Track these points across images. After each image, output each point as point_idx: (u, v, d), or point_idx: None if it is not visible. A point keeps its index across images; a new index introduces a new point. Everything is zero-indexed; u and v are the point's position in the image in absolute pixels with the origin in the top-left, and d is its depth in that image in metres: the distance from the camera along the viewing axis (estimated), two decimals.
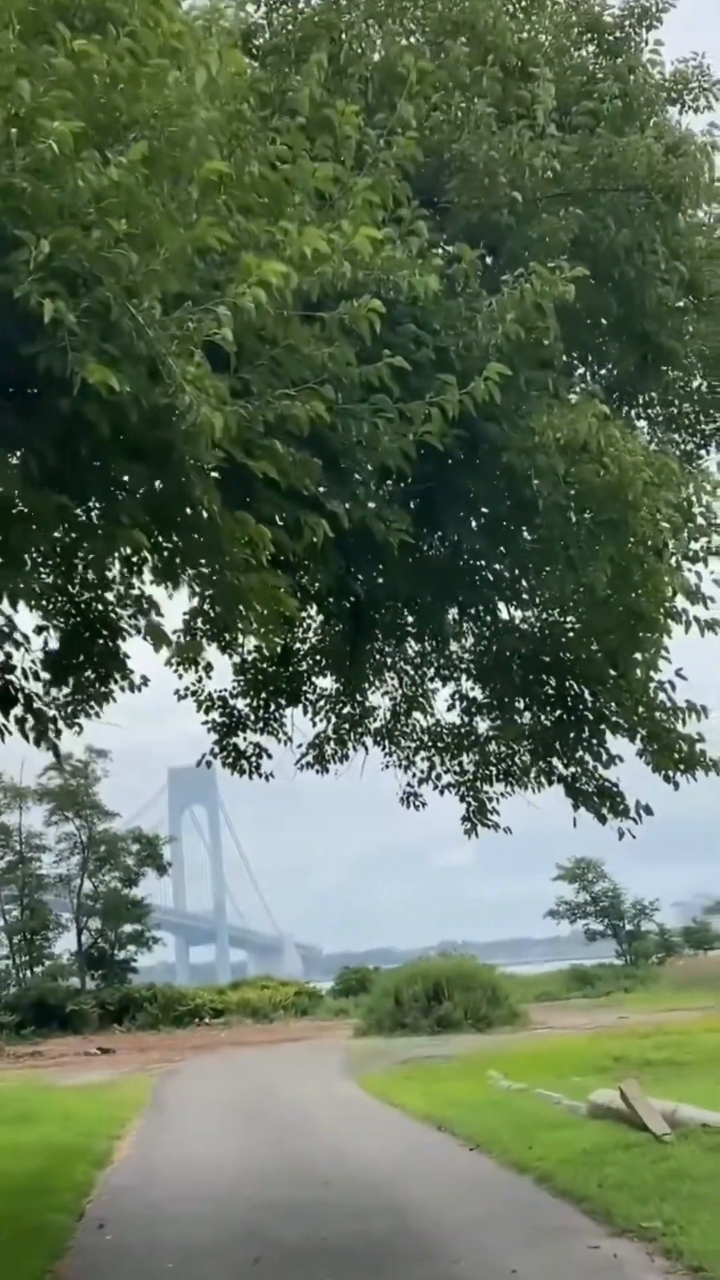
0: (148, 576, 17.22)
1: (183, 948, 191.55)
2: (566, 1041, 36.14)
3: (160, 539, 9.59)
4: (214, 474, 8.22)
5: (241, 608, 9.00)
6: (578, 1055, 31.11)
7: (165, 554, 10.25)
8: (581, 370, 14.74)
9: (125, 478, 8.74)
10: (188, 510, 8.90)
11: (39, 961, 63.61)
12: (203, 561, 10.27)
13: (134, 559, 15.62)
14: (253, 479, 8.55)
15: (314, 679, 16.93)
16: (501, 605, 15.16)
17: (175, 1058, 42.80)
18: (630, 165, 12.37)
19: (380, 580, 14.91)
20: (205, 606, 16.51)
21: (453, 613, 15.69)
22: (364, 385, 9.16)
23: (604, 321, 13.66)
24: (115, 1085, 33.05)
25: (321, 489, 9.76)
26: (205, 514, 8.72)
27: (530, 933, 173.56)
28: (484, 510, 12.39)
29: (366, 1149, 19.55)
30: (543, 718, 15.31)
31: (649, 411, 15.66)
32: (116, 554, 16.57)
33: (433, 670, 16.58)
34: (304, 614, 16.27)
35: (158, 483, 8.76)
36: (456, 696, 16.50)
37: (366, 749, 17.22)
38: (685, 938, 67.24)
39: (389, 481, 10.82)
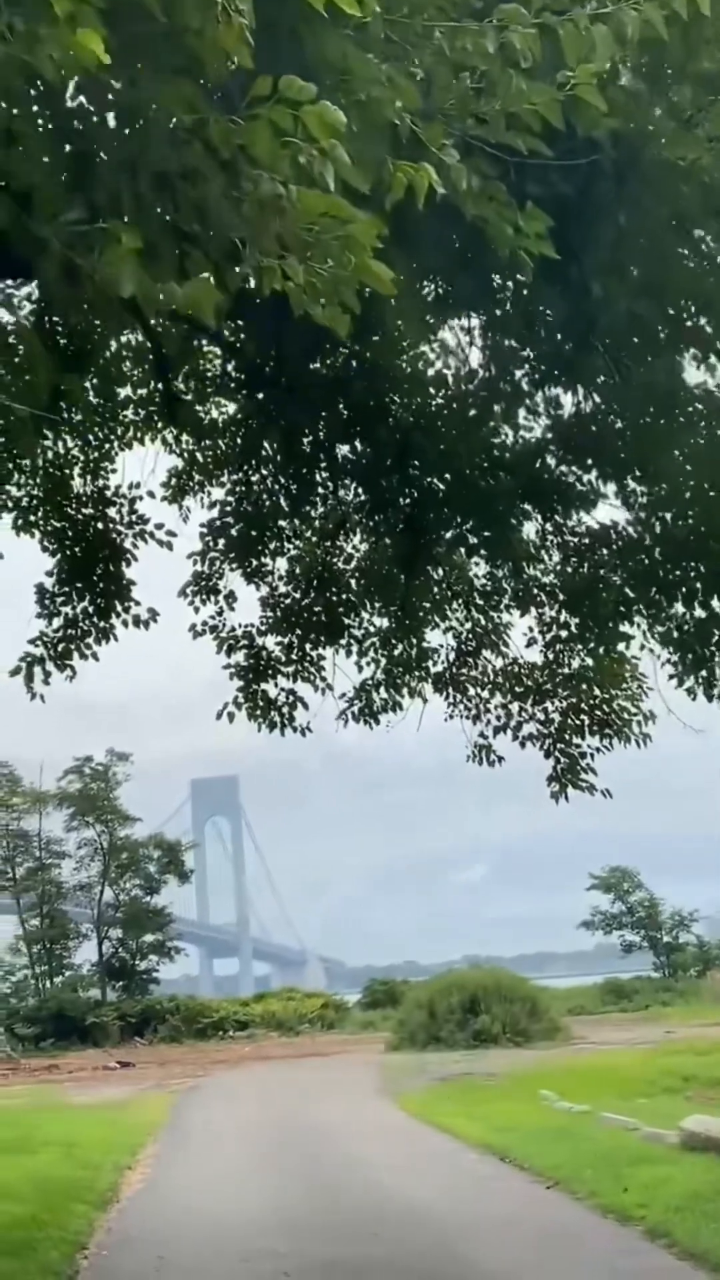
0: (159, 492, 13.99)
1: (206, 960, 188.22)
2: (617, 1058, 32.42)
3: None
4: None
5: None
6: (634, 1073, 27.47)
7: None
8: None
9: None
10: None
11: (59, 972, 60.08)
12: None
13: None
14: None
15: (359, 613, 13.47)
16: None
17: (197, 1073, 39.17)
18: None
19: (443, 482, 11.51)
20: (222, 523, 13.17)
21: (531, 527, 12.24)
22: None
23: None
24: (131, 1104, 29.42)
25: None
26: None
27: (553, 947, 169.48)
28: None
29: (418, 1186, 15.95)
30: (658, 648, 11.80)
31: None
32: (118, 439, 13.39)
33: (507, 597, 13.08)
34: (346, 529, 12.91)
35: None
36: (539, 628, 12.98)
37: (425, 697, 13.73)
38: None
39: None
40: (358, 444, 11.97)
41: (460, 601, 13.44)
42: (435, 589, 13.30)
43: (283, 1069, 39.19)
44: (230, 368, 12.12)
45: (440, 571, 13.13)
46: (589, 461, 11.57)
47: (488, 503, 11.84)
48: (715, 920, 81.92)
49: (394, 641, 13.58)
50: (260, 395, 11.97)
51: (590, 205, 7.17)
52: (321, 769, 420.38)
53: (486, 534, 12.09)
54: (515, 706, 13.34)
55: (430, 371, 11.75)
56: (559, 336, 9.98)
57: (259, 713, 13.46)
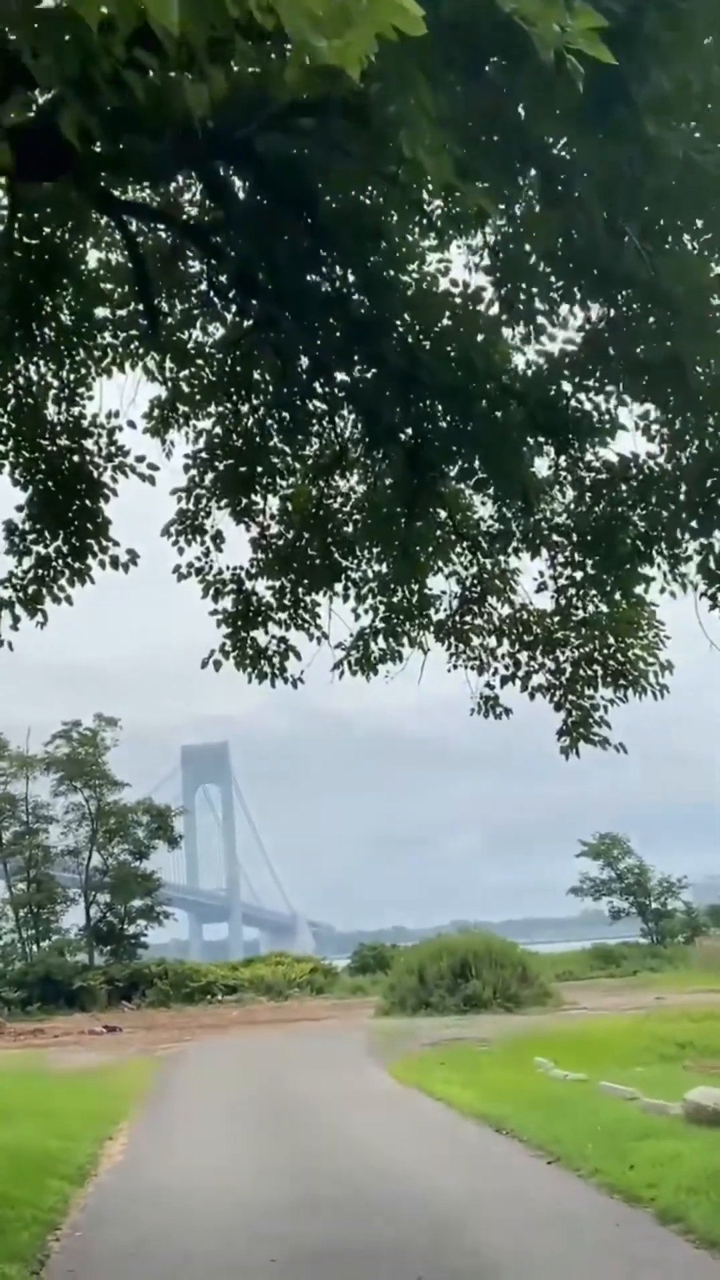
0: (140, 422, 12.97)
1: (196, 925, 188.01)
2: (609, 1024, 31.65)
3: None
4: None
5: None
6: (629, 1040, 26.72)
7: None
8: None
9: None
10: None
11: (46, 936, 59.17)
12: None
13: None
14: None
15: (357, 556, 12.48)
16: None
17: (184, 1038, 38.33)
18: None
19: (449, 412, 10.53)
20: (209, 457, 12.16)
21: (543, 464, 11.26)
22: None
23: None
24: (115, 1070, 28.53)
25: None
26: None
27: (540, 913, 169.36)
28: None
29: (413, 1161, 15.10)
30: (679, 590, 10.82)
31: None
32: (95, 364, 12.35)
33: (516, 539, 12.08)
34: (343, 464, 11.92)
35: None
36: (550, 572, 12.00)
37: (425, 648, 12.75)
38: (712, 917, 62.59)
39: None
40: (357, 370, 10.95)
41: (465, 544, 12.46)
42: (439, 531, 12.33)
43: (270, 1034, 38.40)
44: (218, 278, 11.04)
45: (444, 512, 12.13)
46: (608, 386, 10.57)
47: (497, 435, 10.84)
48: (702, 887, 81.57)
49: (393, 587, 12.60)
50: (250, 311, 10.93)
51: (642, 33, 6.12)
52: (312, 738, 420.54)
53: (495, 469, 11.09)
54: (524, 656, 12.38)
55: (437, 288, 10.71)
56: (585, 220, 8.89)
57: (248, 662, 12.47)
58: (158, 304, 11.36)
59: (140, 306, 11.27)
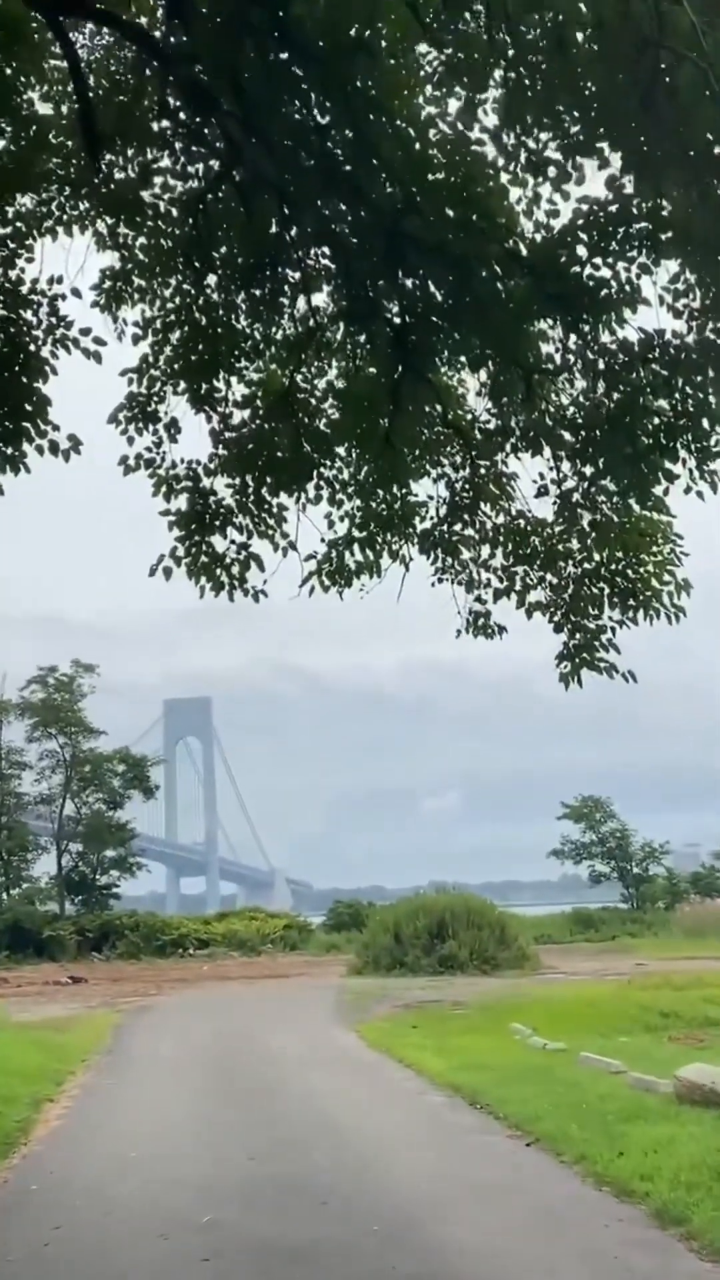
0: (88, 295, 11.22)
1: (173, 879, 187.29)
2: (589, 990, 30.21)
3: None
4: None
5: None
6: (610, 1007, 25.27)
7: None
8: None
9: None
10: None
11: (16, 884, 57.59)
12: None
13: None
14: None
15: (332, 454, 10.78)
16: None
17: (150, 991, 36.95)
18: None
19: (442, 282, 8.86)
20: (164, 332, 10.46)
21: (549, 350, 9.58)
22: None
23: None
24: (73, 1023, 27.04)
25: None
26: None
27: (519, 876, 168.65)
28: None
29: (379, 1137, 13.58)
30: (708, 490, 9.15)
31: None
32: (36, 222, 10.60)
33: (515, 435, 10.39)
34: (319, 344, 10.21)
35: None
36: (553, 474, 10.32)
37: (407, 563, 11.08)
38: (694, 883, 61.26)
39: None
40: (335, 225, 9.20)
41: (457, 441, 10.76)
42: (427, 426, 10.64)
43: (240, 989, 36.98)
44: (175, 103, 9.25)
45: (434, 405, 10.42)
46: (630, 251, 8.87)
47: (498, 309, 9.14)
48: (682, 854, 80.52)
49: (373, 490, 10.90)
50: (212, 145, 9.17)
51: None
52: (294, 696, 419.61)
53: (495, 350, 9.39)
54: (520, 570, 10.72)
55: (434, 129, 8.96)
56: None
57: (202, 571, 10.76)
58: (105, 157, 9.58)
59: (86, 155, 9.47)
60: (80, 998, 35.27)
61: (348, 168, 8.60)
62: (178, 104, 9.19)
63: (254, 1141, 13.27)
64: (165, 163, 10.36)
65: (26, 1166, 12.33)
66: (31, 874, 58.17)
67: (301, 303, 10.35)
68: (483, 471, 10.85)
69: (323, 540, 10.91)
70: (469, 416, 10.74)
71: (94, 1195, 11.00)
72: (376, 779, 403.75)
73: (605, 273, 9.00)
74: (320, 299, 10.23)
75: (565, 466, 10.18)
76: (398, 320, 9.79)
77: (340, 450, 10.77)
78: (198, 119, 9.13)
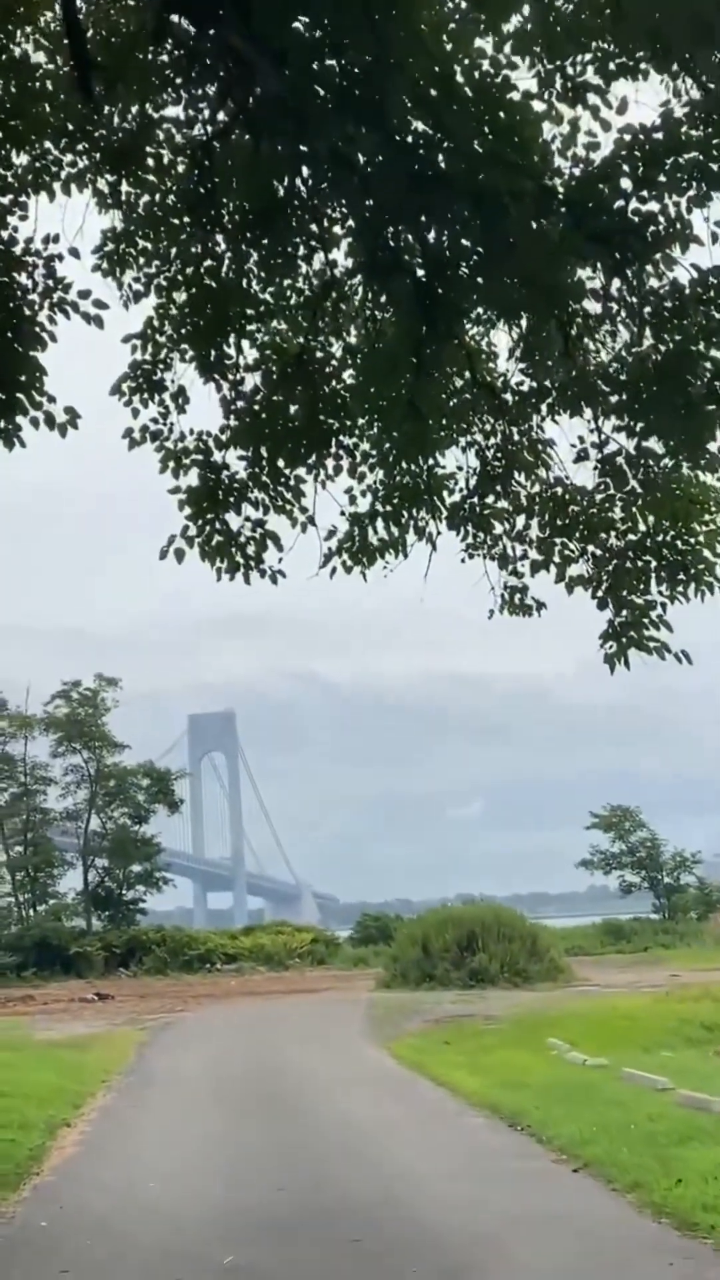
0: (89, 258, 10.33)
1: (200, 894, 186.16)
2: (626, 1002, 29.16)
3: None
4: None
5: None
6: (650, 1021, 24.20)
7: None
8: None
9: None
10: None
11: (43, 900, 56.53)
12: None
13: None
14: None
15: (352, 422, 9.83)
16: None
17: (176, 1007, 36.00)
18: None
19: (471, 225, 7.95)
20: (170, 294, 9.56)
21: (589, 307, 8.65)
22: None
23: None
24: (97, 1041, 26.09)
25: None
26: None
27: (545, 887, 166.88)
28: None
29: (412, 1162, 12.61)
30: None
31: None
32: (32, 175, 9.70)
33: (553, 396, 9.41)
34: (336, 302, 9.30)
35: None
36: (594, 437, 9.35)
37: (433, 541, 10.11)
38: None
39: None
40: (354, 161, 8.27)
41: (489, 405, 9.77)
42: (455, 390, 9.68)
43: (267, 1005, 35.96)
44: (173, 18, 8.30)
45: (462, 367, 9.46)
46: (679, 183, 7.92)
47: (534, 252, 8.20)
48: (712, 864, 79.08)
49: (397, 461, 9.95)
50: (223, 71, 8.23)
51: None
52: (315, 706, 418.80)
53: (528, 301, 8.44)
54: (559, 542, 9.72)
55: (463, 53, 8.02)
56: None
57: (216, 551, 9.82)
58: (100, 92, 8.66)
59: (76, 82, 8.56)
60: (105, 1015, 34.40)
61: (367, 90, 7.66)
62: (179, 19, 8.24)
63: (282, 1171, 12.28)
64: (169, 111, 9.47)
65: (37, 1199, 11.35)
66: (58, 890, 57.22)
67: (317, 259, 9.43)
68: (516, 437, 9.88)
69: (343, 514, 9.97)
70: (501, 379, 9.78)
71: (107, 1233, 10.03)
72: (399, 789, 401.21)
73: (653, 206, 8.05)
74: (337, 253, 9.31)
75: (608, 427, 9.21)
76: (422, 274, 8.85)
77: (361, 419, 9.80)
78: (201, 39, 8.20)
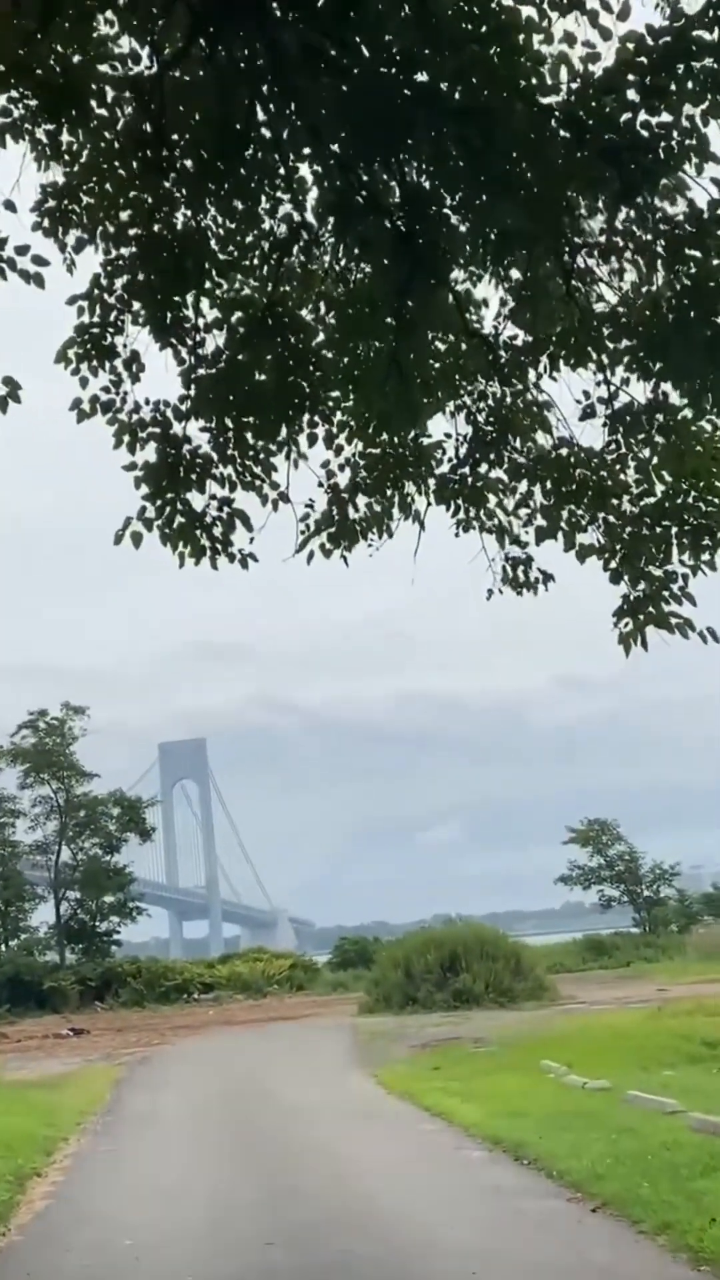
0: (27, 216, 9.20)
1: (176, 923, 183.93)
2: (616, 1019, 28.04)
3: None
4: None
5: None
6: (645, 1039, 23.05)
7: None
8: None
9: None
10: None
11: (14, 935, 55.20)
12: None
13: None
14: None
15: (327, 385, 8.73)
16: None
17: (154, 1040, 34.66)
18: None
19: (460, 149, 6.94)
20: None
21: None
22: None
23: None
24: (71, 1080, 24.75)
25: None
26: None
27: (521, 905, 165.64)
28: None
29: (416, 1206, 11.39)
30: None
31: None
32: None
33: (552, 346, 8.33)
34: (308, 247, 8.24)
35: None
36: (601, 391, 8.28)
37: (420, 519, 9.00)
38: (707, 904, 58.84)
39: None
40: (324, 80, 7.21)
41: (482, 360, 8.67)
42: (441, 354, 8.59)
43: (247, 1035, 34.61)
44: None
45: (453, 328, 8.38)
46: (692, 92, 6.89)
47: (528, 180, 7.16)
48: (688, 876, 78.29)
49: (379, 430, 8.84)
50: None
51: None
52: (288, 732, 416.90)
53: (525, 234, 7.39)
54: (566, 510, 8.62)
55: None
56: None
57: (179, 534, 8.66)
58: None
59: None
60: (81, 1051, 33.03)
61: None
62: None
63: (272, 1221, 11.05)
64: (116, 41, 8.36)
65: (3, 1261, 10.09)
66: (30, 924, 55.84)
67: (282, 209, 8.32)
68: (510, 400, 8.79)
69: (321, 485, 8.83)
70: (493, 333, 8.70)
71: None
72: (375, 813, 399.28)
73: (665, 117, 7.01)
74: (305, 199, 8.20)
75: (617, 378, 8.14)
76: (402, 216, 7.78)
77: (338, 384, 8.69)
78: None
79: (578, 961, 53.17)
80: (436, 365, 8.64)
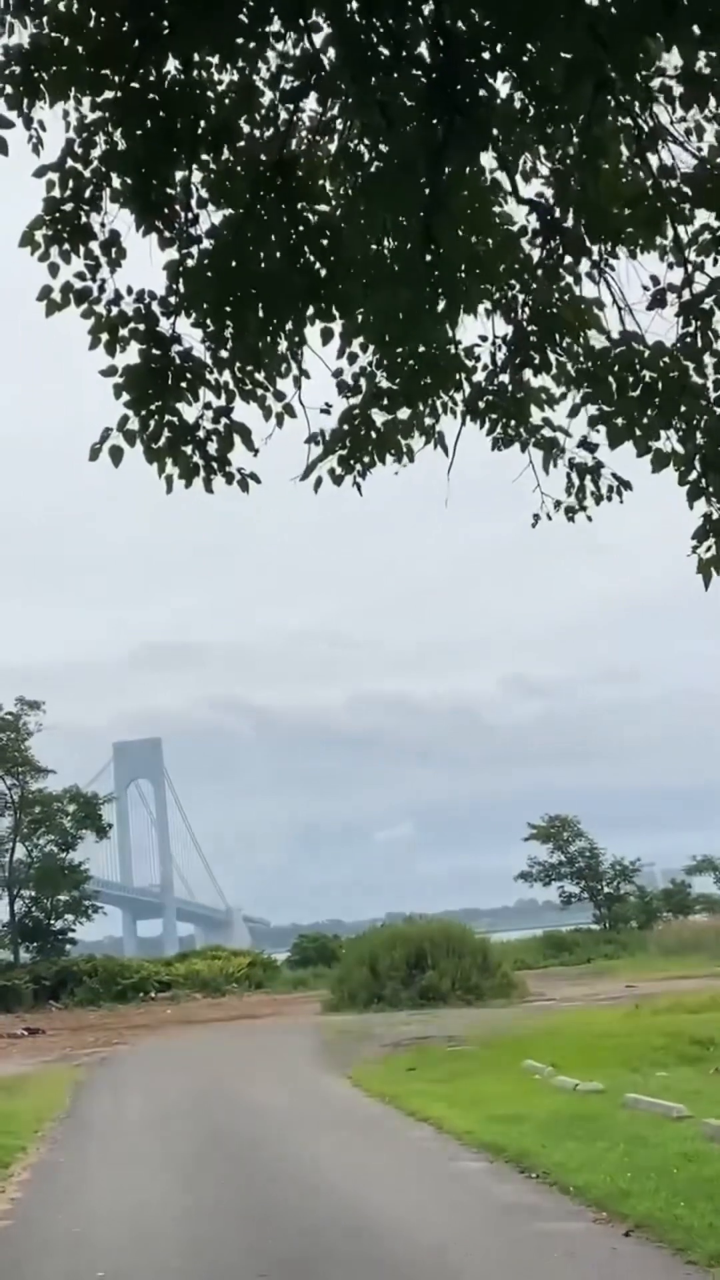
0: None
1: (130, 922, 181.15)
2: (593, 1017, 26.85)
3: None
4: None
5: None
6: (629, 1037, 21.91)
7: None
8: None
9: None
10: None
11: None
12: None
13: None
14: None
15: (342, 270, 7.27)
16: None
17: (113, 1040, 33.03)
18: None
19: None
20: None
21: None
22: None
23: None
24: (27, 1083, 23.08)
25: None
26: None
27: (476, 903, 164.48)
28: None
29: (419, 1229, 9.98)
30: None
31: None
32: None
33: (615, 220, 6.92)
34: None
35: None
36: (673, 276, 6.91)
37: (444, 443, 7.59)
38: (666, 900, 57.86)
39: None
40: None
41: (532, 230, 7.21)
42: (482, 224, 7.15)
43: (209, 1034, 33.09)
44: None
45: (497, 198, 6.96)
46: None
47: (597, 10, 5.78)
48: (649, 872, 77.60)
49: (407, 328, 7.41)
50: None
51: None
52: (244, 734, 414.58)
53: (590, 72, 6.00)
54: (634, 414, 7.17)
55: None
56: None
57: (167, 449, 7.20)
58: None
59: None
60: (37, 1051, 31.36)
61: None
62: None
63: (259, 1245, 9.60)
64: None
65: None
66: None
67: (291, 44, 6.84)
68: (558, 296, 7.38)
69: (341, 394, 7.40)
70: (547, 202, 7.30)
71: None
72: (329, 813, 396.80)
73: None
74: (321, 36, 6.76)
75: (693, 254, 6.77)
76: (435, 54, 6.37)
77: (353, 265, 7.22)
78: None
79: (538, 958, 52.14)
80: (477, 243, 7.16)
